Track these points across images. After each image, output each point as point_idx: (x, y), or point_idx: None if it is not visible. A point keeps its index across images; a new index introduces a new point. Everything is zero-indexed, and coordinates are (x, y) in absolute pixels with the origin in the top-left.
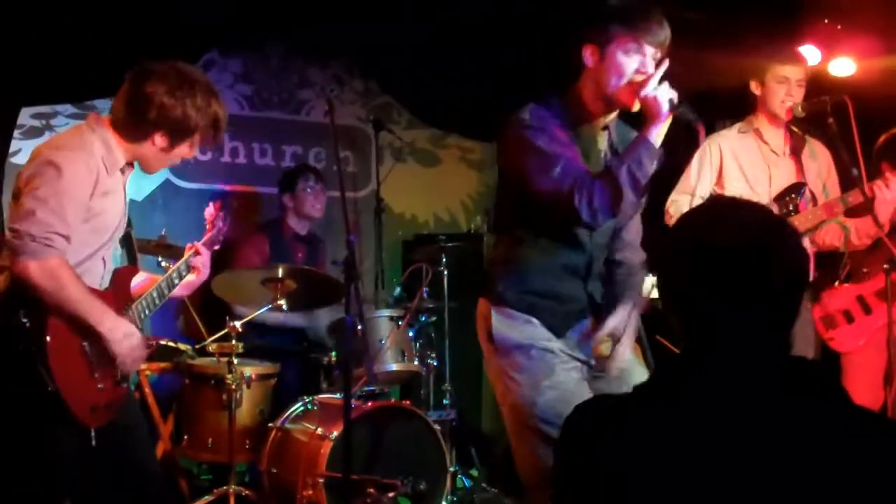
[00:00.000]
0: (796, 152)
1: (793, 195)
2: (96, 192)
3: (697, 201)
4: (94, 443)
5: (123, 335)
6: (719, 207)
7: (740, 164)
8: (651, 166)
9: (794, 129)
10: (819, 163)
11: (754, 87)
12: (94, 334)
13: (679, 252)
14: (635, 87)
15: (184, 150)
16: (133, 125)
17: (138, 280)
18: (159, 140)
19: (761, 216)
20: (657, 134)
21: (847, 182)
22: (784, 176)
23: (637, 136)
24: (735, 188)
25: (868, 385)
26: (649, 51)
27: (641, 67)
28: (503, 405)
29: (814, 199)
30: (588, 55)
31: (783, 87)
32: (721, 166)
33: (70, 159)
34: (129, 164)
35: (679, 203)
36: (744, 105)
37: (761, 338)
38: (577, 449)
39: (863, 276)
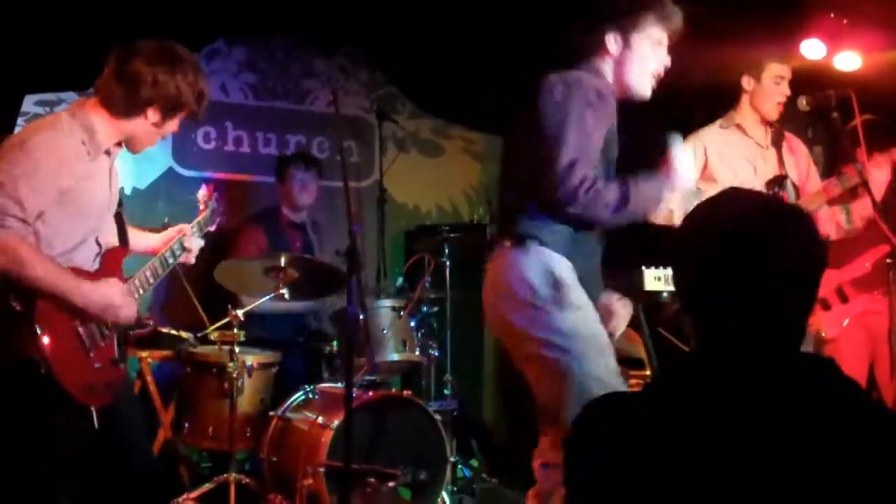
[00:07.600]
0: (777, 145)
1: (776, 188)
2: (76, 174)
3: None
4: (96, 424)
5: (101, 298)
6: (731, 197)
7: (727, 161)
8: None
9: (774, 122)
10: (797, 156)
11: (746, 83)
12: (82, 314)
13: (692, 245)
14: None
15: (172, 126)
16: (126, 102)
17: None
18: (152, 115)
19: (774, 204)
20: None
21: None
22: (769, 169)
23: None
24: (723, 184)
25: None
26: (665, 40)
27: (665, 60)
28: None
29: (796, 190)
30: (612, 41)
31: (779, 86)
32: (706, 164)
33: (36, 143)
34: (117, 144)
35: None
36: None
37: (776, 332)
38: (591, 450)
39: (842, 265)
